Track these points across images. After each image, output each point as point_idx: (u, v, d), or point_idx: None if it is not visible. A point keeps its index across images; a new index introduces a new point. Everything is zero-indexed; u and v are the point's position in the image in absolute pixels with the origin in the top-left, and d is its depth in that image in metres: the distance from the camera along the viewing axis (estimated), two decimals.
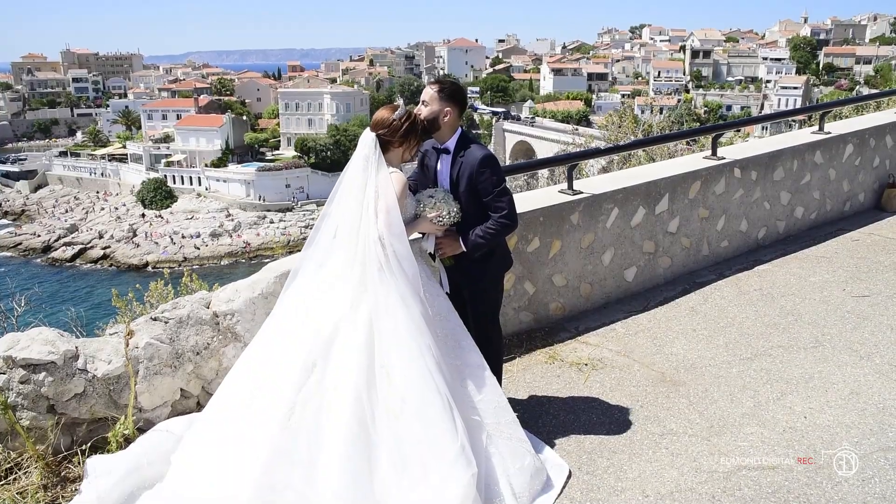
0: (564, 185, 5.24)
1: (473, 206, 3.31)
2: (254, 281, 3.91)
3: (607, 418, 3.92)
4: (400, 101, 3.63)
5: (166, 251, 54.02)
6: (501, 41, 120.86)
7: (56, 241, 58.02)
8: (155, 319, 3.76)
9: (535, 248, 4.88)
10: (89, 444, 3.46)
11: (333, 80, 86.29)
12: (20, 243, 58.51)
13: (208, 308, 3.87)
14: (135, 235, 57.75)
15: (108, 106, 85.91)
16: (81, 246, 56.61)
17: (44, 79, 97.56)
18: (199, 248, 55.26)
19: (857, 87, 73.62)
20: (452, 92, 3.29)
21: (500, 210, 3.27)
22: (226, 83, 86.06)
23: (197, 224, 58.49)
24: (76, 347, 3.50)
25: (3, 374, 3.35)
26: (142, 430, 3.54)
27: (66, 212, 65.19)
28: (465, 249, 3.33)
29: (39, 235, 59.44)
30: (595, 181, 5.53)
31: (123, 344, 3.50)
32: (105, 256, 55.41)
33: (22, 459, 3.36)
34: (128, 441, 3.48)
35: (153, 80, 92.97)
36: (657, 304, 5.41)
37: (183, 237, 56.54)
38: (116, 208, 63.49)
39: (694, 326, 5.03)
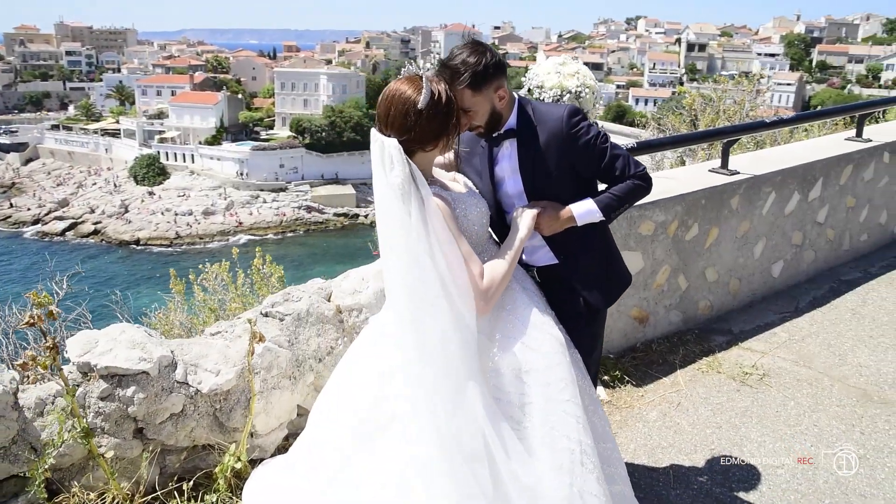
0: (716, 164, 4.42)
1: (571, 188, 2.33)
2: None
3: (830, 448, 3.13)
4: (412, 69, 2.01)
5: (158, 228, 52.54)
6: (497, 28, 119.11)
7: (46, 214, 56.33)
8: (266, 315, 2.90)
9: (693, 235, 4.06)
10: (191, 483, 2.60)
11: (329, 62, 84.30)
12: (9, 216, 56.76)
13: (329, 301, 3.02)
14: (126, 211, 56.14)
15: (101, 80, 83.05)
16: (73, 220, 55.03)
17: (36, 51, 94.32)
18: (191, 226, 53.89)
19: (849, 85, 73.25)
20: (486, 69, 2.16)
21: (621, 170, 2.28)
22: (221, 61, 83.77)
23: (190, 202, 56.94)
24: (172, 352, 2.64)
25: (79, 385, 2.48)
26: (254, 462, 2.70)
27: (58, 185, 63.13)
28: (576, 223, 2.32)
29: (30, 209, 57.64)
30: (745, 160, 4.71)
31: (248, 349, 2.63)
32: (96, 231, 53.90)
33: (103, 501, 2.50)
34: (239, 477, 2.64)
35: (147, 56, 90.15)
36: (808, 304, 4.63)
37: (176, 214, 54.99)
38: (110, 182, 61.56)
39: (870, 333, 4.25)
